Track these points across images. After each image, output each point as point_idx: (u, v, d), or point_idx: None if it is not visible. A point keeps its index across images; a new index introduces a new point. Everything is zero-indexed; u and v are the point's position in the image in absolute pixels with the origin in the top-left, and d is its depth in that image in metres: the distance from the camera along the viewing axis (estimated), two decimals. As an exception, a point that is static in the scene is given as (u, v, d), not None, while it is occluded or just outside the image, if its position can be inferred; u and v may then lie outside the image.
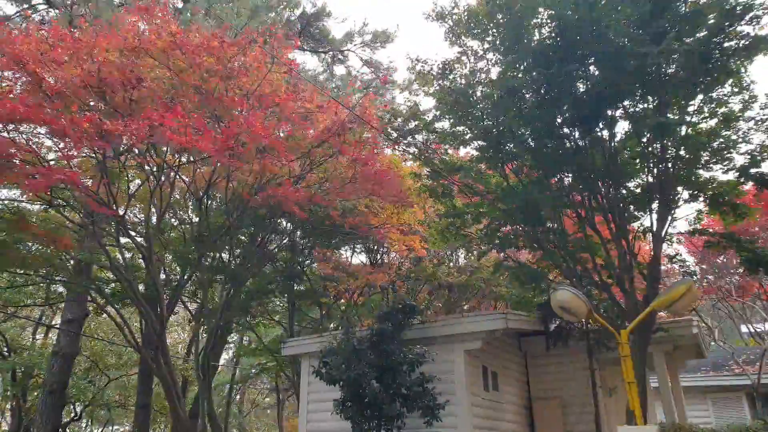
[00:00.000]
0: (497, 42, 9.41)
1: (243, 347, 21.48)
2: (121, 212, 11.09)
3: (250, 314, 15.70)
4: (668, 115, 10.21)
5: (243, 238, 12.53)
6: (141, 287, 13.27)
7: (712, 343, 17.69)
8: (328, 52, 20.76)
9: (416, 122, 9.14)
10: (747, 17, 9.02)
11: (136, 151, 10.31)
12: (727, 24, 8.54)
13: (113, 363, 20.69)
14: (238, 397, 30.11)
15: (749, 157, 9.70)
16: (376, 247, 13.19)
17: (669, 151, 10.28)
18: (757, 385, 14.83)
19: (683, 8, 8.62)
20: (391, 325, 9.25)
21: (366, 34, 20.17)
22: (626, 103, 10.27)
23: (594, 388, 10.69)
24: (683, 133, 10.24)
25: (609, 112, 10.26)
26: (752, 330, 22.46)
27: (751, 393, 15.41)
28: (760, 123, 9.65)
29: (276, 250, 11.95)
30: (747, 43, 9.15)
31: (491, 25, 9.25)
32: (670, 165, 10.40)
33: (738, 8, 8.55)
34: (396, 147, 9.12)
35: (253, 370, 21.37)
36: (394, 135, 8.76)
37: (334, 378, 8.67)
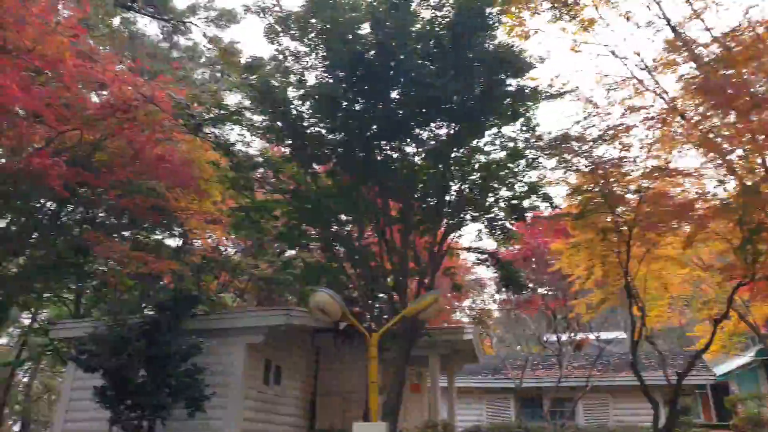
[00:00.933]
0: (316, 47, 9.62)
1: (30, 327, 19.56)
2: None
3: (36, 292, 14.37)
4: (473, 142, 11.31)
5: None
6: None
7: (492, 350, 19.75)
8: (169, 21, 19.69)
9: (221, 111, 9.05)
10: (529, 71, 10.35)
11: None
12: (506, 74, 9.60)
13: None
14: (25, 380, 27.24)
15: (527, 187, 11.03)
16: (180, 234, 12.80)
17: (462, 177, 11.33)
18: (520, 388, 16.94)
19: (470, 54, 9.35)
20: (169, 314, 9.07)
21: (212, 9, 19.49)
22: (433, 125, 11.16)
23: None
24: (477, 162, 11.43)
25: (418, 131, 11.08)
26: (543, 338, 25.49)
27: (517, 395, 17.58)
28: (533, 161, 11.02)
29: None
30: (529, 92, 10.45)
31: (310, 28, 9.42)
32: (464, 187, 11.53)
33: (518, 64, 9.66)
34: (196, 134, 8.95)
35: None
36: (193, 121, 8.60)
37: (93, 366, 8.28)
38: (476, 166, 11.31)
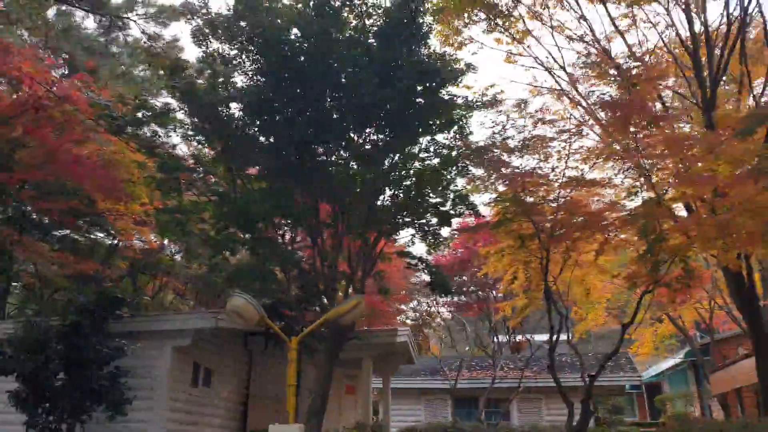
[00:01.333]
0: (244, 50, 9.64)
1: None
2: None
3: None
4: (408, 148, 11.51)
5: None
6: None
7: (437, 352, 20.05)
8: (105, 15, 19.14)
9: (147, 112, 8.98)
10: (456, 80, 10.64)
11: None
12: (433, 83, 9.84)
13: None
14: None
15: (452, 194, 11.30)
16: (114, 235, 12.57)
17: (396, 183, 11.50)
18: (455, 389, 17.33)
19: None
20: (92, 316, 8.93)
21: (151, 6, 19.05)
22: (368, 131, 11.31)
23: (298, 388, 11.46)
24: (413, 168, 11.64)
25: (353, 136, 11.21)
26: (482, 340, 26.02)
27: (454, 395, 17.97)
28: (463, 169, 11.30)
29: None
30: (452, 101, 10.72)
31: (238, 32, 9.43)
32: (398, 193, 11.73)
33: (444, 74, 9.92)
34: (119, 134, 8.85)
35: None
36: (115, 122, 8.50)
37: (7, 369, 8.10)
38: (411, 172, 11.53)
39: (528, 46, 13.06)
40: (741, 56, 8.93)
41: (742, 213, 6.67)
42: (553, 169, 9.23)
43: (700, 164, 6.72)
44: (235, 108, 10.07)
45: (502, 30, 13.31)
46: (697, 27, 10.26)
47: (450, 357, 22.02)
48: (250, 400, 12.54)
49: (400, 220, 11.63)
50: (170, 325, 9.71)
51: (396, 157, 11.37)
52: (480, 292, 19.48)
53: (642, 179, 7.61)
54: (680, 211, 8.38)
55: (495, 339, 19.13)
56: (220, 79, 9.65)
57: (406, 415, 18.36)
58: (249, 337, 12.78)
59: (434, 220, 11.46)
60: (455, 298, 24.37)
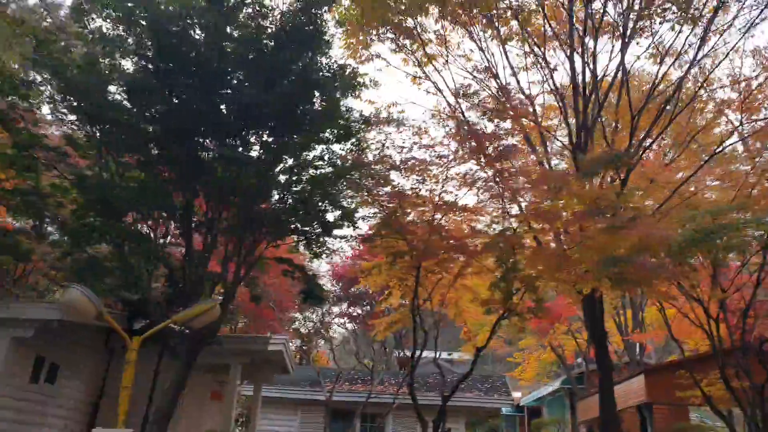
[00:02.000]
0: (126, 34, 9.15)
1: None
2: None
3: None
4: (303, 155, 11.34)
5: None
6: None
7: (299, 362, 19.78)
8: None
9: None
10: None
11: None
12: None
13: None
14: None
15: (339, 205, 11.25)
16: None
17: (286, 188, 11.31)
18: (330, 401, 17.22)
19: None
20: None
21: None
22: (263, 133, 11.03)
23: (152, 390, 10.94)
24: (307, 175, 11.50)
25: (246, 136, 10.91)
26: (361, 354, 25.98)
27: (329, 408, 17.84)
28: (351, 182, 11.31)
29: None
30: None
31: (122, 14, 8.92)
32: (288, 198, 11.53)
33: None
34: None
35: None
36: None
37: None
38: (304, 178, 11.39)
39: (434, 71, 13.39)
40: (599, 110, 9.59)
41: (588, 249, 7.05)
42: (430, 192, 9.40)
43: (549, 201, 7.10)
44: (114, 91, 9.54)
45: (409, 52, 13.57)
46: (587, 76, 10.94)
47: (342, 369, 21.85)
48: (103, 400, 11.79)
49: (286, 226, 11.44)
50: (9, 313, 8.92)
51: (291, 161, 11.22)
52: (366, 306, 19.55)
53: (501, 210, 7.93)
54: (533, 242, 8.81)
55: (373, 353, 19.19)
56: (105, 61, 9.10)
57: (280, 425, 18.00)
58: (112, 334, 12.06)
59: (320, 229, 11.39)
60: (350, 310, 24.40)
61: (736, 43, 10.39)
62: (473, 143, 7.79)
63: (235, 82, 9.66)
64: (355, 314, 21.75)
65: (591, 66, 10.14)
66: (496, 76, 12.08)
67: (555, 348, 26.38)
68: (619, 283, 6.56)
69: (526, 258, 7.51)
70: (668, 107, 10.01)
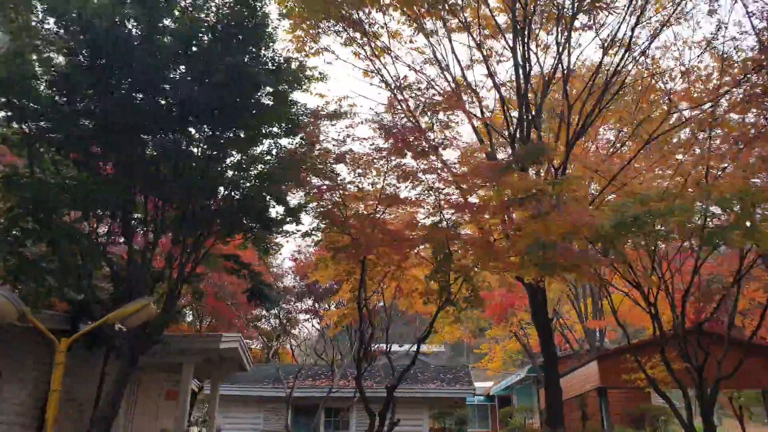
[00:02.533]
0: (62, 26, 8.93)
1: None
2: None
3: None
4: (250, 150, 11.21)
5: None
6: None
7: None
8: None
9: None
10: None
11: None
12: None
13: None
14: None
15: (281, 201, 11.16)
16: None
17: (233, 184, 11.18)
18: (290, 397, 17.20)
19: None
20: None
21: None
22: (206, 127, 10.85)
23: (99, 392, 10.79)
24: (255, 170, 11.38)
25: (191, 131, 10.74)
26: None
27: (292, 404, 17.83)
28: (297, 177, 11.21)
29: None
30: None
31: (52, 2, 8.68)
32: (235, 194, 11.39)
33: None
34: None
35: None
36: None
37: None
38: (252, 174, 11.28)
39: (387, 65, 13.36)
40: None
41: (519, 238, 7.14)
42: (372, 185, 9.41)
43: (481, 192, 7.19)
44: (45, 86, 9.31)
45: (359, 45, 13.52)
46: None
47: (303, 365, 21.82)
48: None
49: (232, 223, 11.31)
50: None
51: (238, 157, 11.11)
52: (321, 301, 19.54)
53: (436, 202, 7.99)
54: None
55: (333, 348, 19.21)
56: (33, 56, 8.86)
57: (244, 423, 17.90)
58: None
59: (263, 226, 11.28)
60: (316, 306, 24.35)
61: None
62: (399, 138, 7.82)
63: (173, 76, 9.50)
64: (319, 310, 21.70)
65: (531, 59, 10.25)
66: (447, 69, 12.17)
67: (520, 337, 26.75)
68: (546, 269, 6.66)
69: (460, 249, 7.59)
70: (606, 95, 10.18)
